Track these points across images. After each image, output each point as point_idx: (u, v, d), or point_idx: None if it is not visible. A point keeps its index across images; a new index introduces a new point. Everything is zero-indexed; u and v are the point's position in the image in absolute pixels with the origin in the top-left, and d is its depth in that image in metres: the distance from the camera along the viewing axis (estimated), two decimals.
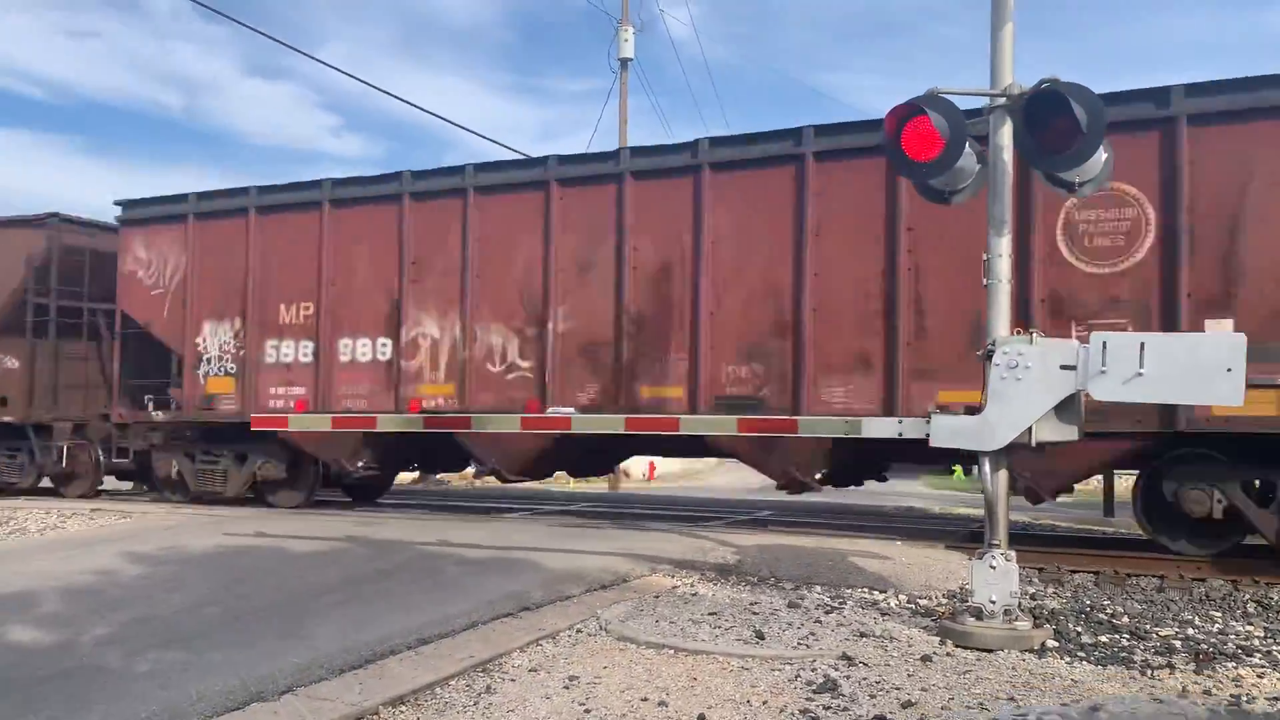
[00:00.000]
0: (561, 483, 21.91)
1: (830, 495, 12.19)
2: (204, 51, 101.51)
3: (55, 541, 10.24)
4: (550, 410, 11.11)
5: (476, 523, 11.44)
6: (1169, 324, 8.87)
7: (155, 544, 9.33)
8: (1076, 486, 10.99)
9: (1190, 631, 6.63)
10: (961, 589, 7.60)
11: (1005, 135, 6.38)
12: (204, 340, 13.60)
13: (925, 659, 5.61)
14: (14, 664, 5.29)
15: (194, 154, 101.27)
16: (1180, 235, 8.91)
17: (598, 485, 23.37)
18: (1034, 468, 9.05)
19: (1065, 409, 6.14)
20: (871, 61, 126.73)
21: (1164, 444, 9.11)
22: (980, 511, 7.12)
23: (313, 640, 5.71)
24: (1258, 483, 9.03)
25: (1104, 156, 6.27)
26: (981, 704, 4.80)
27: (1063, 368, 6.00)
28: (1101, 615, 7.06)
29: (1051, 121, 6.05)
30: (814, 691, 4.96)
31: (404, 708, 4.73)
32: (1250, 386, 5.79)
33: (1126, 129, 8.79)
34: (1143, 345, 5.82)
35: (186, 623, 6.21)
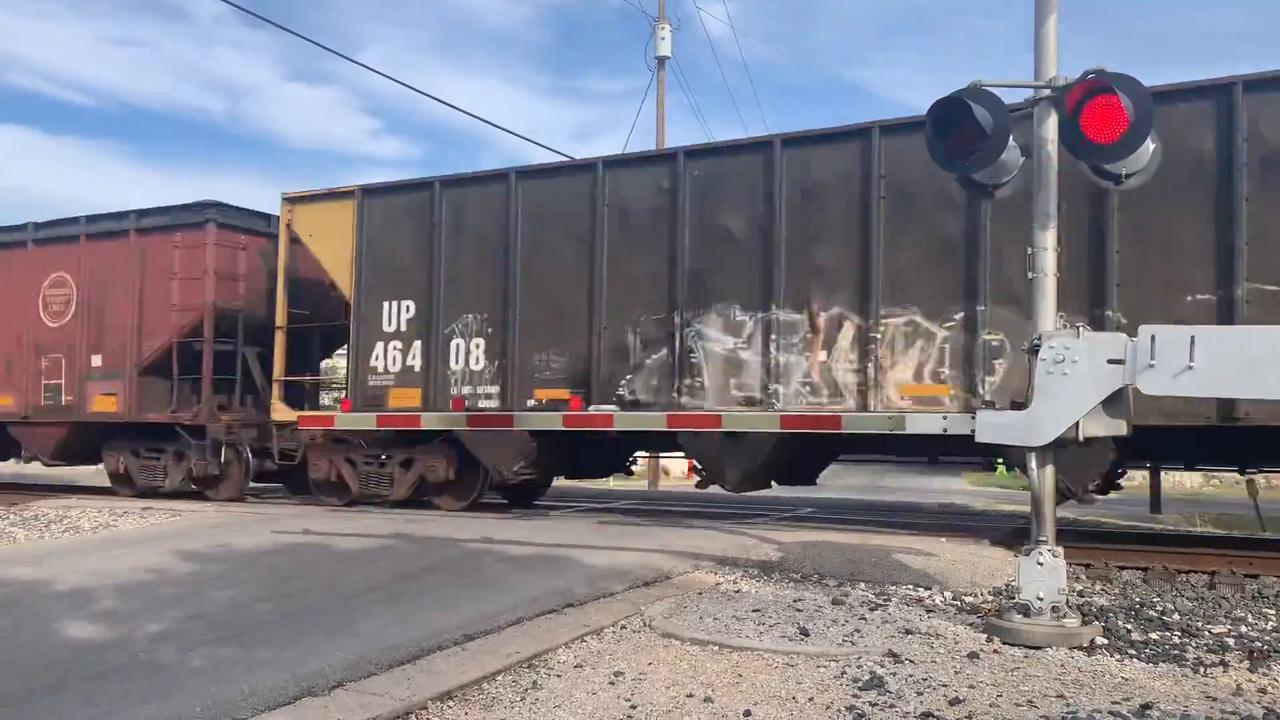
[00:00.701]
0: (601, 482, 21.95)
1: (871, 493, 12.11)
2: (246, 57, 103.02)
3: (108, 539, 10.44)
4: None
5: (518, 520, 11.51)
6: None
7: (205, 542, 9.48)
8: (1124, 484, 10.81)
9: (1243, 629, 6.52)
10: (1008, 586, 7.53)
11: (1050, 128, 6.31)
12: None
13: (972, 656, 5.57)
14: (71, 659, 5.40)
15: (237, 158, 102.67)
16: None
17: (638, 484, 23.38)
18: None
19: (1113, 403, 6.06)
20: (909, 56, 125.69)
21: None
22: (1024, 508, 7.05)
23: (360, 636, 5.78)
24: None
25: (1152, 147, 6.19)
26: (1030, 701, 4.75)
27: (1110, 362, 5.93)
28: (1151, 612, 6.97)
29: (1095, 112, 5.97)
30: (860, 689, 4.95)
31: (452, 703, 4.77)
32: None
33: None
34: (1193, 338, 5.73)
35: (237, 619, 6.31)
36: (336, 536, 9.74)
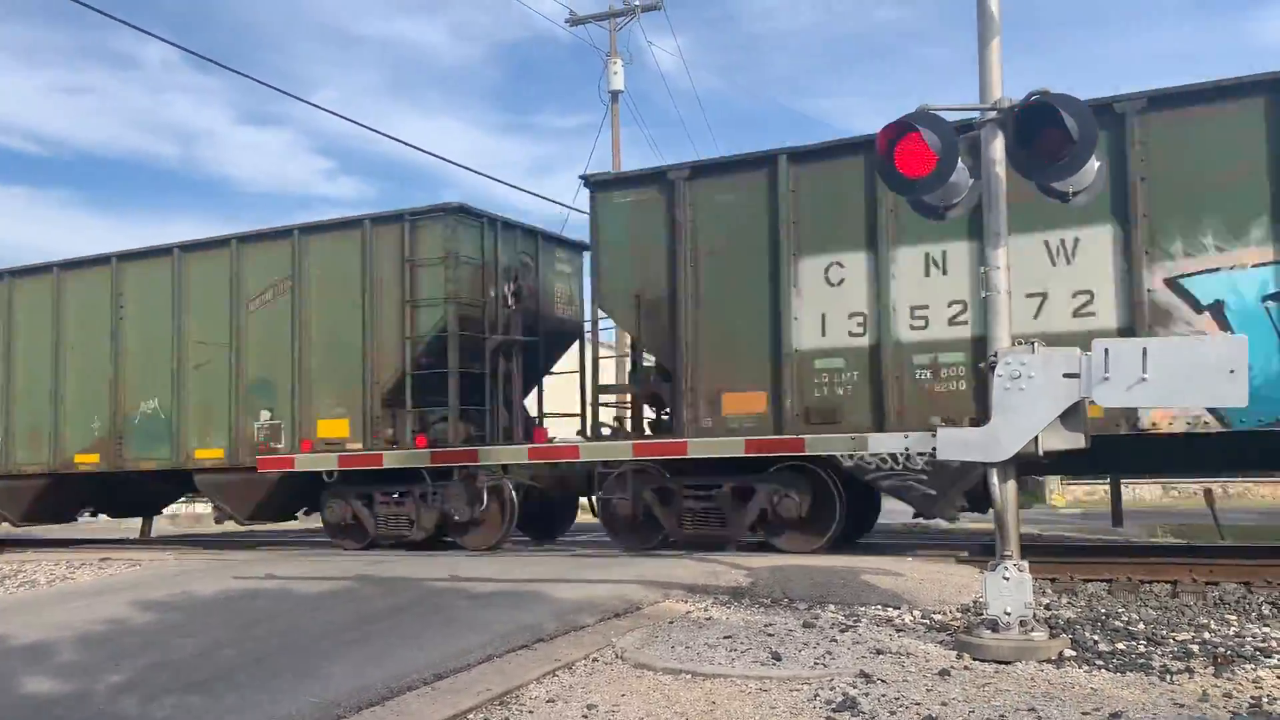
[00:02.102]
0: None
1: None
2: (197, 102, 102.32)
3: (66, 592, 10.22)
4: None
5: (485, 557, 11.41)
6: None
7: (166, 591, 9.31)
8: (1084, 496, 10.95)
9: (1207, 635, 6.61)
10: (975, 602, 7.58)
11: (997, 148, 6.44)
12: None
13: (943, 673, 5.59)
14: (30, 716, 5.27)
15: (190, 202, 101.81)
16: None
17: None
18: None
19: (1070, 417, 6.15)
20: (859, 84, 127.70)
21: None
22: (989, 525, 7.11)
23: (329, 679, 5.69)
24: None
25: (1096, 165, 6.33)
26: (1002, 716, 4.78)
27: (1066, 376, 6.02)
28: (1117, 623, 7.05)
29: (1042, 133, 6.11)
30: (834, 710, 4.95)
31: None
32: None
33: None
34: (1145, 350, 5.84)
35: (202, 667, 6.20)
36: (300, 580, 9.61)
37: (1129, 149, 9.21)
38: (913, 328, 9.99)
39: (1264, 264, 8.77)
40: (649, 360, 11.65)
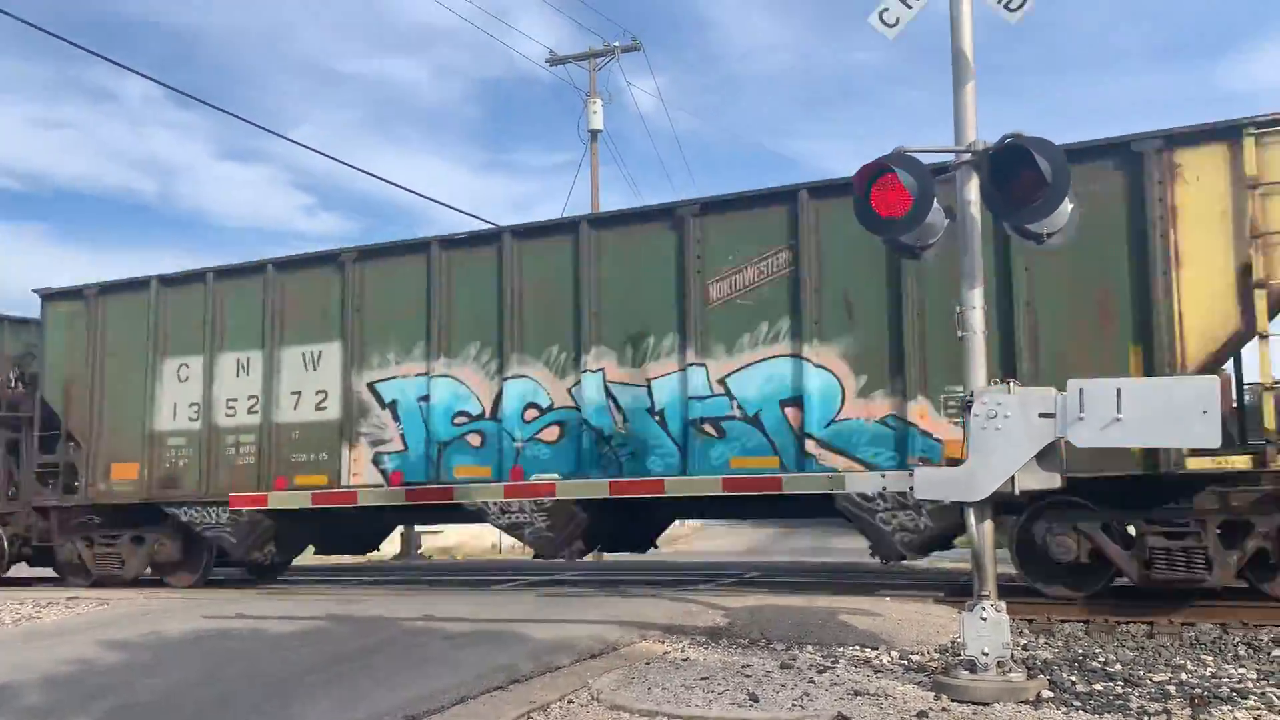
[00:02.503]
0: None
1: (816, 554, 12.11)
2: (177, 137, 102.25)
3: (31, 632, 10.02)
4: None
5: (461, 596, 11.30)
6: None
7: (134, 630, 9.15)
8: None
9: (1184, 676, 6.61)
10: (953, 643, 7.55)
11: (972, 190, 6.50)
12: None
13: (921, 715, 5.55)
14: None
15: (168, 237, 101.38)
16: None
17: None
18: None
19: (1046, 457, 6.17)
20: (836, 127, 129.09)
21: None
22: (966, 565, 7.11)
23: None
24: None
25: (1069, 207, 6.39)
26: None
27: (1041, 415, 6.05)
28: (1094, 663, 7.03)
29: (1017, 175, 6.17)
30: None
31: None
32: None
33: None
34: (1119, 390, 5.88)
35: (170, 708, 6.08)
36: (272, 620, 9.47)
37: (348, 291, 12.61)
38: (227, 416, 13.17)
39: (420, 375, 12.05)
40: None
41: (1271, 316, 8.78)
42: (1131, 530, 9.09)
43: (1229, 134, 8.94)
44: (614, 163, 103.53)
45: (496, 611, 9.46)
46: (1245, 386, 10.85)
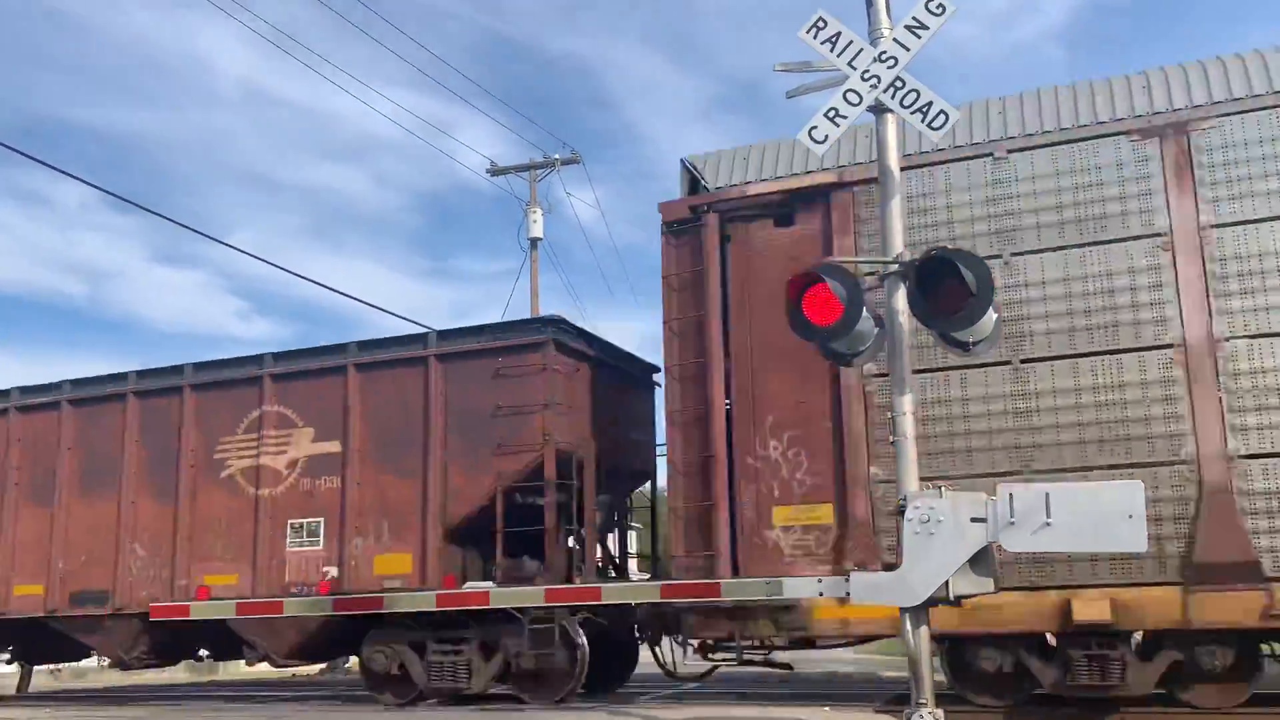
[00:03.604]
0: None
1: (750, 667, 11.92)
2: (111, 241, 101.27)
3: None
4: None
5: (376, 713, 10.89)
6: None
7: None
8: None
9: None
10: None
11: (900, 299, 6.67)
12: None
13: None
14: None
15: (97, 341, 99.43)
16: None
17: None
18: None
19: (979, 561, 6.22)
20: None
21: None
22: (904, 674, 7.05)
23: None
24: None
25: (994, 317, 6.58)
26: None
27: (973, 520, 6.12)
28: None
29: (942, 285, 6.36)
30: None
31: None
32: None
33: None
34: (1048, 495, 5.98)
35: None
36: None
37: None
38: None
39: None
40: None
41: None
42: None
43: None
44: (554, 270, 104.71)
45: None
46: None
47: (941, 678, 9.34)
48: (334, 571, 11.39)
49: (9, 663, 14.32)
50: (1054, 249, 9.14)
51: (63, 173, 36.48)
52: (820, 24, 6.96)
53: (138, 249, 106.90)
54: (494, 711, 10.43)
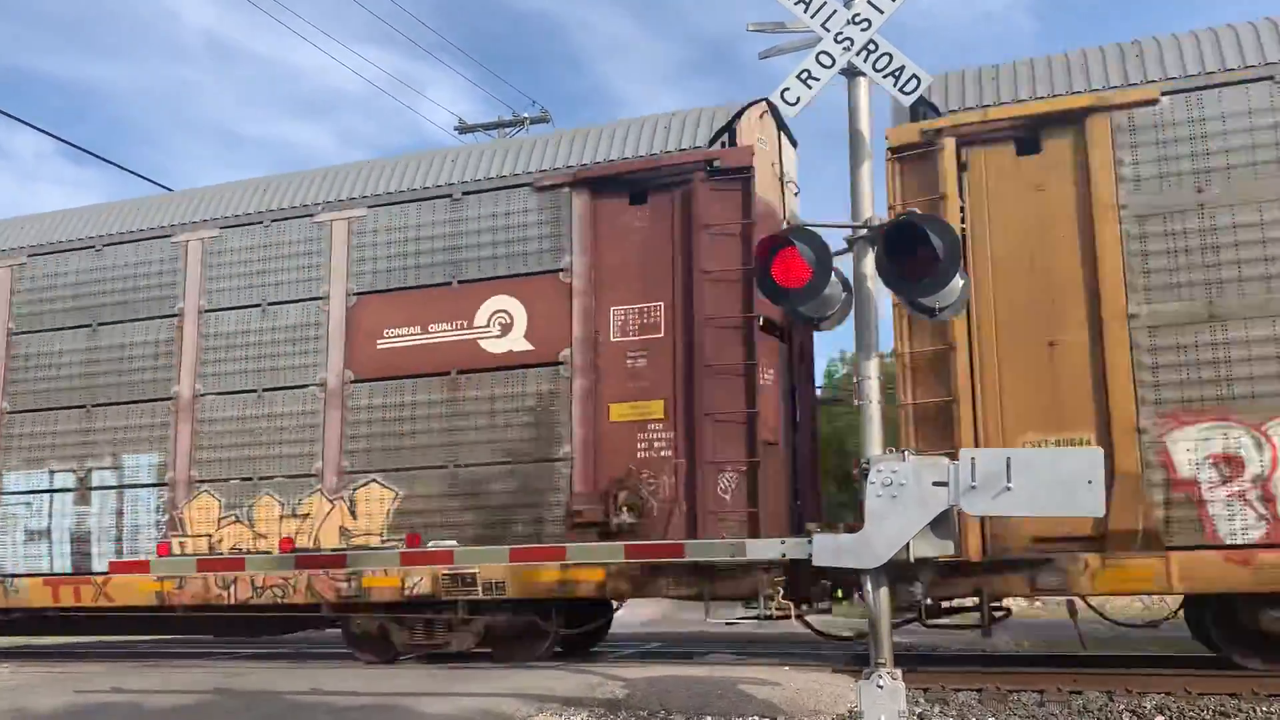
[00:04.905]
0: None
1: (715, 626, 12.05)
2: (70, 195, 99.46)
3: None
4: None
5: (350, 669, 10.93)
6: None
7: None
8: (958, 602, 10.86)
9: None
10: (850, 711, 7.58)
11: (868, 264, 6.70)
12: None
13: None
14: None
15: None
16: None
17: None
18: None
19: (940, 524, 6.30)
20: None
21: None
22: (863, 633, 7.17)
23: None
24: None
25: (961, 283, 6.63)
26: None
27: (935, 484, 6.19)
28: None
29: (911, 251, 6.39)
30: None
31: None
32: None
33: None
34: (1009, 460, 6.06)
35: None
36: (151, 694, 9.02)
37: None
38: None
39: None
40: None
41: None
42: None
43: None
44: None
45: (389, 684, 9.18)
46: None
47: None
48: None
49: None
50: None
51: (21, 121, 35.78)
52: None
53: (97, 201, 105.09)
54: (458, 669, 10.50)
